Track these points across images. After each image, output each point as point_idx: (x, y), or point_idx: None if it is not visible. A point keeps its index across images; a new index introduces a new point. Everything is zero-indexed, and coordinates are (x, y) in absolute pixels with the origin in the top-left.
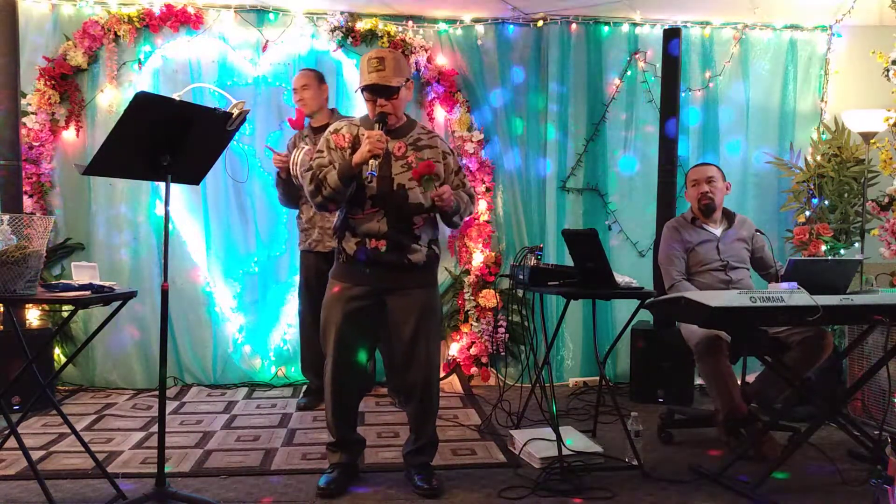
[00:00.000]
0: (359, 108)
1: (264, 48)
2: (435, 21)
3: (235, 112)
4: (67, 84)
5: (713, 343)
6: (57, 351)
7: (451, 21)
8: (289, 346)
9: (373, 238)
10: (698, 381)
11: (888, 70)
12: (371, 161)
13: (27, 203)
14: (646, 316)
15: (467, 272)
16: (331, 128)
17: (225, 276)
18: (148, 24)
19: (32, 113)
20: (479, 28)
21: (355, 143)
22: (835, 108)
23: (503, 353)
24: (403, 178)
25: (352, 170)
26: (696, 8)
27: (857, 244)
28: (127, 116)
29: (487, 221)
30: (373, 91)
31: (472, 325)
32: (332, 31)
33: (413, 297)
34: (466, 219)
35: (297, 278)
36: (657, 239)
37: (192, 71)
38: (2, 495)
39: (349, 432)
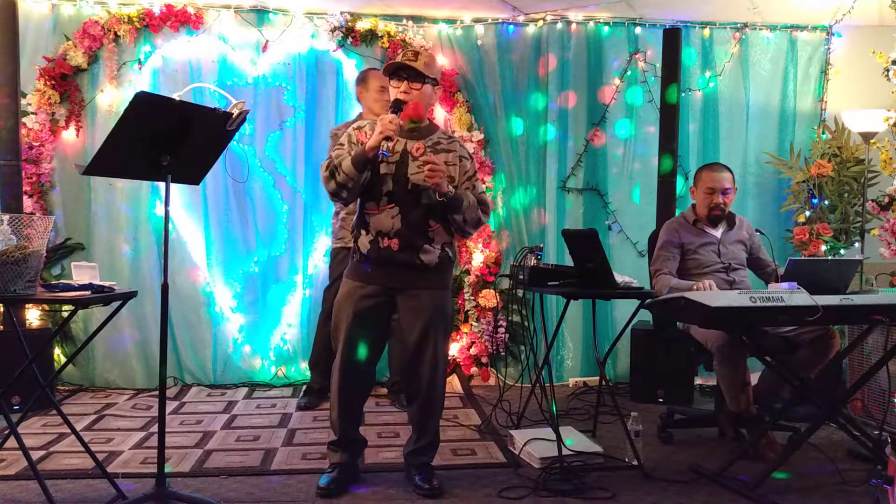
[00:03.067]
0: (359, 109)
1: (264, 48)
2: (435, 21)
3: (235, 112)
4: (67, 84)
5: (736, 346)
6: (57, 351)
7: (451, 21)
8: (289, 346)
9: (385, 236)
10: (698, 380)
11: (888, 70)
12: (383, 143)
13: (27, 203)
14: (646, 316)
15: (467, 272)
16: (355, 125)
17: (225, 276)
18: (148, 24)
19: (32, 113)
20: (479, 28)
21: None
22: (835, 108)
23: (503, 353)
24: (419, 179)
25: (365, 155)
26: (696, 8)
27: (857, 244)
28: (127, 116)
29: (487, 221)
30: (400, 73)
31: (472, 325)
32: (332, 30)
33: (423, 298)
34: (477, 228)
35: (298, 278)
36: (652, 237)
37: (192, 71)
38: (2, 495)
39: (352, 431)
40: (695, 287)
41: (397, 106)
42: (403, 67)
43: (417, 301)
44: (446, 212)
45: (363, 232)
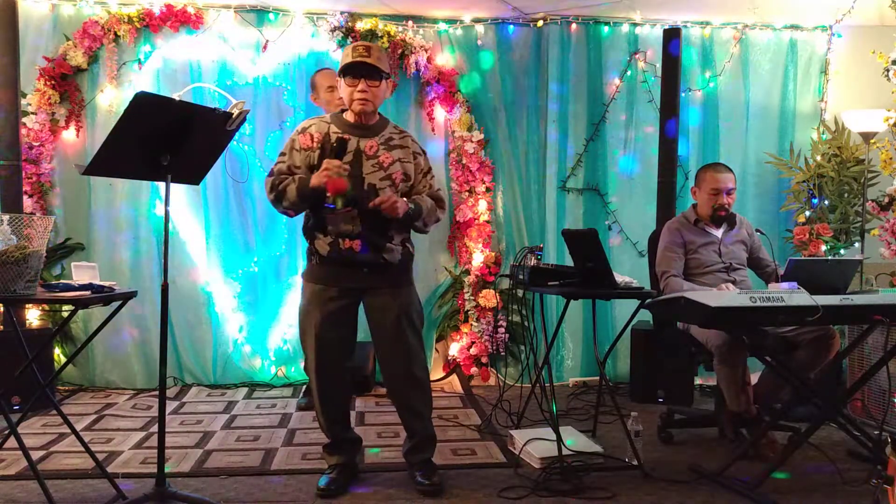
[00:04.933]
0: None
1: (264, 48)
2: (435, 21)
3: (235, 112)
4: (67, 84)
5: (736, 346)
6: (57, 351)
7: (451, 21)
8: (289, 346)
9: (346, 238)
10: (698, 380)
11: (888, 70)
12: (329, 194)
13: (27, 203)
14: (646, 316)
15: (467, 272)
16: (298, 126)
17: (225, 275)
18: (148, 24)
19: (32, 113)
20: (479, 28)
21: (324, 142)
22: (835, 108)
23: (503, 353)
24: (374, 178)
25: (311, 191)
26: (696, 8)
27: (857, 244)
28: (127, 116)
29: (487, 221)
30: (356, 71)
31: (472, 325)
32: (332, 31)
33: (389, 296)
34: (436, 225)
35: (298, 278)
36: (652, 238)
37: (192, 71)
38: (2, 495)
39: (343, 432)
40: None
41: (342, 147)
42: (358, 65)
43: (383, 300)
44: (406, 221)
45: (320, 234)
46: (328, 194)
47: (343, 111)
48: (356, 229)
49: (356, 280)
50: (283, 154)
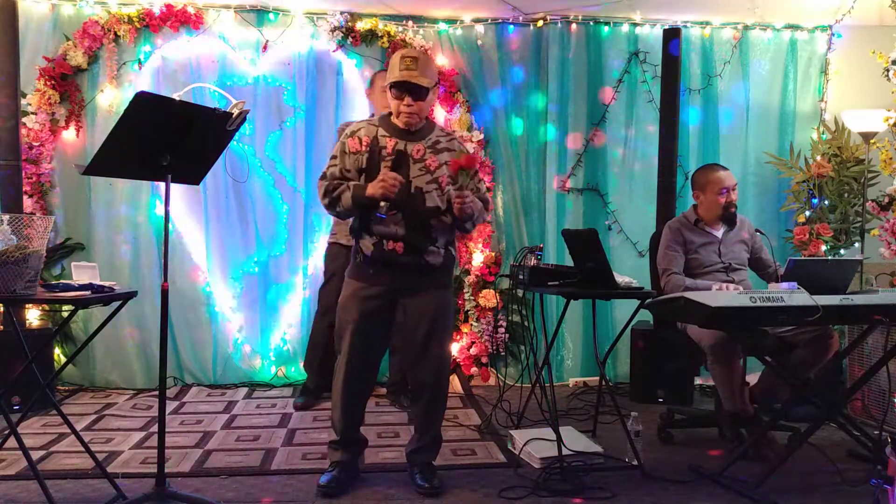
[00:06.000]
0: (359, 109)
1: (264, 48)
2: (435, 21)
3: (235, 112)
4: (67, 84)
5: (729, 345)
6: (57, 351)
7: (451, 21)
8: (289, 346)
9: (390, 240)
10: (698, 380)
11: (888, 70)
12: (382, 203)
13: (27, 203)
14: (646, 316)
15: (467, 272)
16: (347, 130)
17: (225, 276)
18: (148, 24)
19: (32, 113)
20: (479, 28)
21: (373, 145)
22: (835, 108)
23: (503, 353)
24: (421, 182)
25: (367, 199)
26: (696, 8)
27: (857, 244)
28: (127, 116)
29: (487, 221)
30: (402, 89)
31: (472, 325)
32: (332, 31)
33: (428, 298)
34: (479, 225)
35: (298, 278)
36: (653, 238)
37: (192, 71)
38: (2, 495)
39: (353, 431)
40: (715, 289)
41: (399, 158)
42: (406, 83)
43: (422, 301)
44: (455, 217)
45: (365, 235)
46: (381, 204)
47: (391, 114)
48: (400, 232)
49: (396, 281)
50: (334, 157)
